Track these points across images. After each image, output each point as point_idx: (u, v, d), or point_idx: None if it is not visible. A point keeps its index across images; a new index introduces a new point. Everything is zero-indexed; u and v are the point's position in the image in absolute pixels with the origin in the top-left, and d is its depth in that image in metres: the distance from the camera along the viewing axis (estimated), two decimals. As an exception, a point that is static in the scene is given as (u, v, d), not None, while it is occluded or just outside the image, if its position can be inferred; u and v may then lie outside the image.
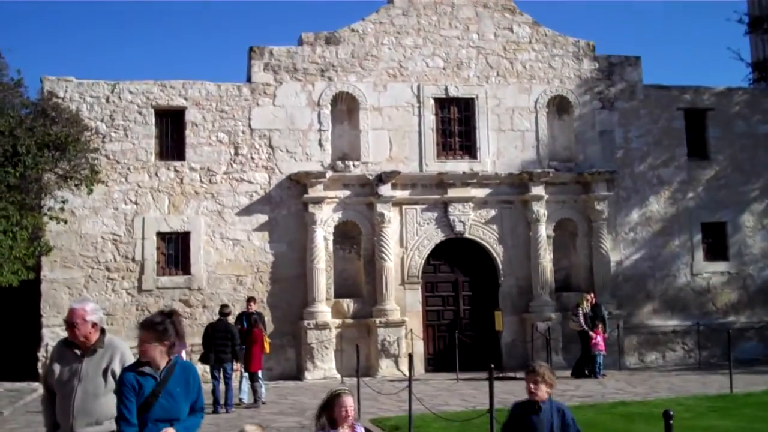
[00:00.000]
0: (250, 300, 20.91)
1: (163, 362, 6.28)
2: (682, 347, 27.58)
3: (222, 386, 18.35)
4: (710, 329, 27.04)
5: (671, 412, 6.13)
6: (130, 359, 6.89)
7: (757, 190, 28.69)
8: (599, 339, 23.20)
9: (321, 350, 24.33)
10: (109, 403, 6.70)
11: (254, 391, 19.09)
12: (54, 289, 23.70)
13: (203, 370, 20.10)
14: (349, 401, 6.64)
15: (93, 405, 6.81)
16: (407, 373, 15.38)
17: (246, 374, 19.33)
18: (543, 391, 6.60)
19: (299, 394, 20.90)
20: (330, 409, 6.66)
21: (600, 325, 23.39)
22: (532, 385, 6.62)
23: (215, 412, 17.92)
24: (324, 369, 24.22)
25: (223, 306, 19.65)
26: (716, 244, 28.33)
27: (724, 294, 28.15)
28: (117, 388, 6.30)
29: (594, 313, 23.59)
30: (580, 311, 23.52)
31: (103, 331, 7.08)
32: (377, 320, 24.72)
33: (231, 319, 19.48)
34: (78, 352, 6.97)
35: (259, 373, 19.32)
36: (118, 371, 6.79)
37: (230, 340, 18.52)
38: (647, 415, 14.27)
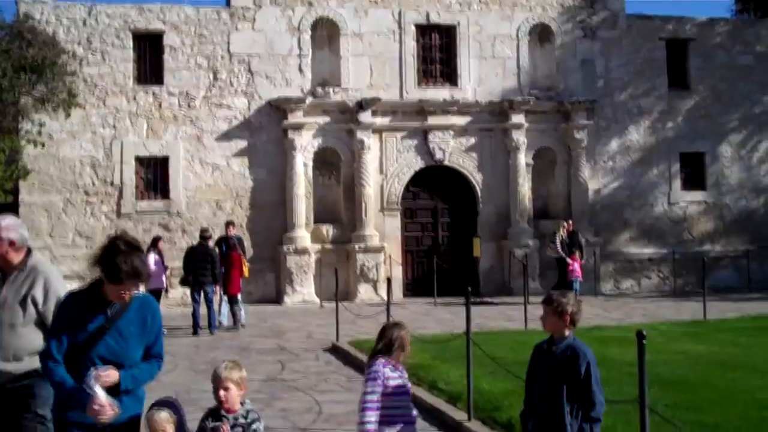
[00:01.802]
0: (229, 224, 20.92)
1: None
2: (657, 275, 27.91)
3: (203, 309, 18.46)
4: (686, 257, 27.37)
5: (644, 332, 6.22)
6: (58, 285, 6.02)
7: (736, 120, 28.77)
8: (576, 266, 23.41)
9: (300, 275, 24.46)
10: (29, 336, 5.84)
11: (233, 314, 19.21)
12: (32, 212, 23.64)
13: (183, 292, 20.22)
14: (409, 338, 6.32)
15: (10, 338, 5.84)
16: (386, 297, 15.52)
17: (225, 297, 19.45)
18: (551, 323, 5.79)
19: (278, 318, 21.08)
20: (398, 346, 6.23)
21: (577, 252, 23.59)
22: (541, 319, 5.95)
23: (195, 333, 18.08)
24: (303, 293, 24.38)
25: (203, 230, 19.65)
26: (694, 174, 28.49)
27: (700, 223, 28.41)
28: (53, 315, 5.45)
29: (571, 240, 23.78)
30: (558, 238, 23.69)
31: (29, 252, 6.06)
32: (356, 246, 24.85)
33: (211, 243, 19.52)
34: None
35: (238, 297, 19.42)
36: (39, 299, 5.90)
37: (210, 263, 18.59)
38: (621, 339, 14.49)
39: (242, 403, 5.59)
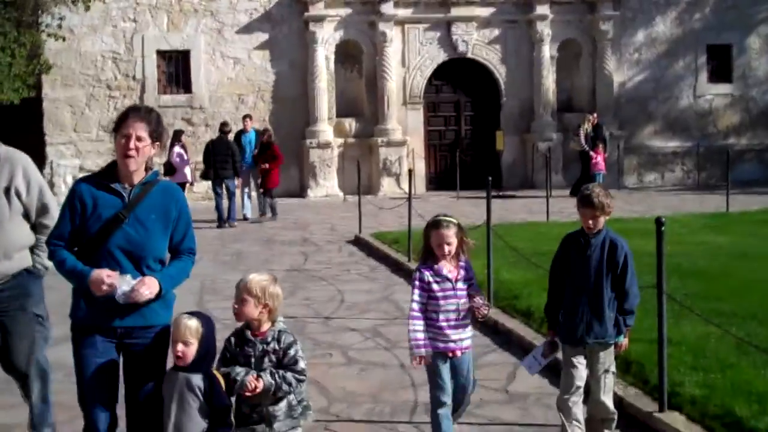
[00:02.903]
0: (247, 117, 20.88)
1: (137, 176, 4.62)
2: (681, 168, 27.80)
3: (225, 202, 18.64)
4: (710, 151, 27.17)
5: (663, 219, 6.22)
6: (36, 173, 5.50)
7: (765, 11, 28.13)
8: (599, 159, 23.31)
9: (323, 169, 24.54)
10: (16, 230, 5.30)
11: (272, 206, 19.37)
12: (56, 107, 23.70)
13: (207, 186, 20.34)
14: (446, 234, 5.55)
15: None
16: (408, 191, 15.57)
17: (246, 191, 19.63)
18: (596, 222, 5.56)
19: (302, 211, 21.27)
20: (428, 240, 5.65)
21: (600, 146, 23.46)
22: (590, 221, 5.58)
23: (220, 226, 18.31)
24: (326, 187, 24.51)
25: (223, 124, 19.68)
26: (721, 67, 28.04)
27: (725, 116, 28.12)
28: (63, 204, 4.71)
29: (595, 133, 23.60)
30: (582, 131, 23.55)
31: None
32: (379, 140, 24.83)
33: (231, 137, 19.58)
34: None
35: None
36: (23, 189, 5.34)
37: (231, 156, 18.68)
38: (643, 231, 14.46)
39: (273, 324, 4.65)
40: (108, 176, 4.61)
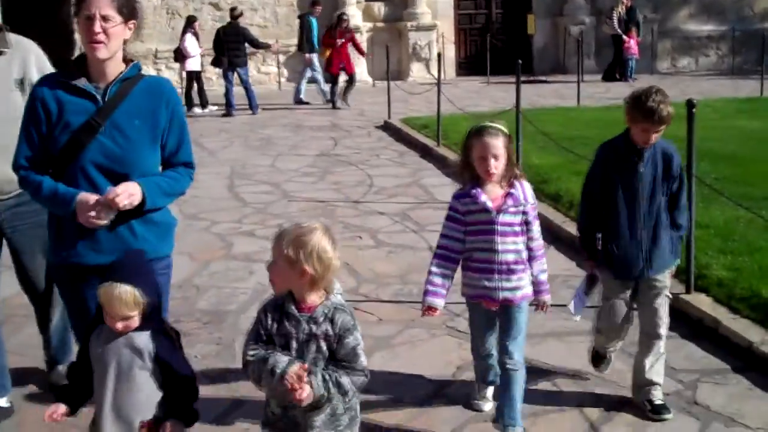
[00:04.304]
0: (315, 3, 20.43)
1: (112, 70, 3.66)
2: (716, 52, 27.28)
3: (236, 90, 18.49)
4: (746, 35, 26.56)
5: (694, 101, 6.16)
6: (50, 66, 4.60)
7: None
8: (632, 43, 22.98)
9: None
10: None
11: (333, 93, 19.16)
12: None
13: (218, 74, 20.10)
14: (491, 144, 4.22)
15: (7, 134, 4.15)
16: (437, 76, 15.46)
17: (315, 75, 19.82)
18: (657, 136, 4.54)
19: (331, 97, 21.23)
20: (468, 154, 4.34)
21: (634, 29, 23.09)
22: (653, 136, 4.50)
23: (228, 114, 18.18)
24: (356, 72, 24.24)
25: (232, 9, 19.25)
26: (760, -55, 27.31)
27: (762, -1, 27.48)
28: (24, 110, 3.74)
29: (629, 16, 23.21)
30: (615, 15, 23.14)
31: (1, 29, 4.62)
32: (408, 24, 24.49)
33: (242, 21, 19.22)
34: None
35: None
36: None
37: (242, 43, 18.40)
38: (675, 116, 14.43)
39: (327, 296, 3.18)
40: (77, 74, 3.65)
